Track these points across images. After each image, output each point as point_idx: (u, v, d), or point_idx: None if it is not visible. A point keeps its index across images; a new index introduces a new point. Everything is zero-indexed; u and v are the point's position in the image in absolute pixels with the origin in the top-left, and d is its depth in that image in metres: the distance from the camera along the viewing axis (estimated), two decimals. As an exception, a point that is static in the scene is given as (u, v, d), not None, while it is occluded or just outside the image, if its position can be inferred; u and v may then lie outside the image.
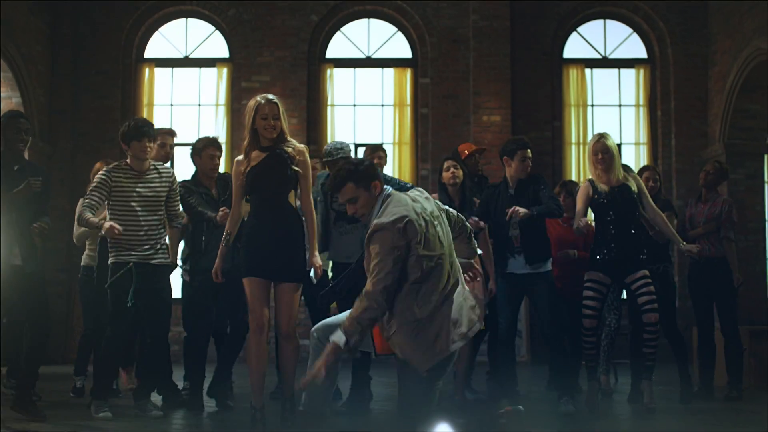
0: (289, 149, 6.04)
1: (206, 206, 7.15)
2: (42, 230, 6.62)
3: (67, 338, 12.37)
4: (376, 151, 8.40)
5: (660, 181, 8.33)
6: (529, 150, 7.29)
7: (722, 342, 8.46)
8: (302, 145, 6.21)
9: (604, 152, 7.11)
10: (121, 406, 7.12)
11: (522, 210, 6.91)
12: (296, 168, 6.03)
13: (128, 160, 6.77)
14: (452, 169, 7.48)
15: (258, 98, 6.10)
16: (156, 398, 7.19)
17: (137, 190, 6.66)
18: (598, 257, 7.06)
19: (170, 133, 8.01)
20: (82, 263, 8.28)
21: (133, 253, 6.60)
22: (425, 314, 4.59)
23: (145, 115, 13.34)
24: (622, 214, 7.06)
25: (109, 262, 6.73)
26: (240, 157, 6.16)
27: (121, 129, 6.80)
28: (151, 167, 6.82)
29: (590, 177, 7.25)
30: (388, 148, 13.02)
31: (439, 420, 4.85)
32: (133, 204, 6.62)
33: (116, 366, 7.19)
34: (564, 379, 7.06)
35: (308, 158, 6.18)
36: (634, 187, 7.10)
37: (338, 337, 4.54)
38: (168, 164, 7.45)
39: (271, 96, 6.14)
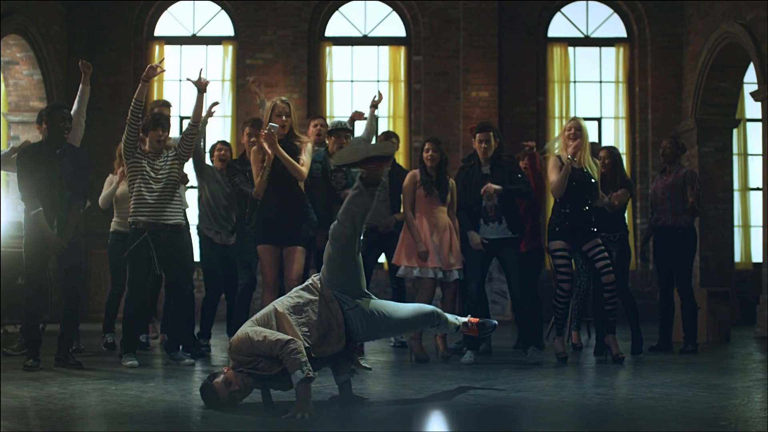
0: (297, 143, 7.11)
1: (248, 184, 8.25)
2: (74, 214, 7.49)
3: (85, 298, 13.28)
4: (389, 137, 9.34)
5: (620, 161, 9.00)
6: (489, 133, 7.98)
7: (680, 302, 9.31)
8: (306, 137, 7.31)
9: (576, 129, 7.98)
10: (152, 355, 8.17)
11: (494, 187, 7.79)
12: (302, 158, 7.21)
13: (146, 148, 7.66)
14: (431, 151, 8.17)
15: (275, 99, 7.32)
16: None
17: (152, 163, 7.55)
18: (557, 228, 8.00)
19: (166, 104, 8.88)
20: (111, 229, 9.07)
21: (148, 214, 7.50)
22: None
23: (154, 90, 14.21)
24: (579, 193, 7.97)
25: (128, 221, 7.68)
26: (257, 147, 7.34)
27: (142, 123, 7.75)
28: (163, 155, 7.65)
29: (557, 153, 8.15)
30: (383, 122, 13.97)
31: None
32: (147, 168, 7.51)
33: (139, 323, 8.10)
34: (532, 333, 8.02)
35: (311, 147, 7.30)
36: (596, 175, 8.04)
37: (296, 377, 5.00)
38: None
39: (284, 98, 7.36)
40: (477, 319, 6.10)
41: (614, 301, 8.00)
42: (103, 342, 9.00)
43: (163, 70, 7.65)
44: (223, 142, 9.20)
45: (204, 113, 8.14)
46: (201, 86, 7.63)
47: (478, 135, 8.03)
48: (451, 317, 5.98)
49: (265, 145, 7.10)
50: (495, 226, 7.96)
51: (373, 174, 5.40)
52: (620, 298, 8.71)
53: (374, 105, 9.16)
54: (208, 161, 8.91)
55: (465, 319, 6.11)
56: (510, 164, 8.05)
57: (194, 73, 7.78)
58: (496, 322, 6.15)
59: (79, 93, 8.22)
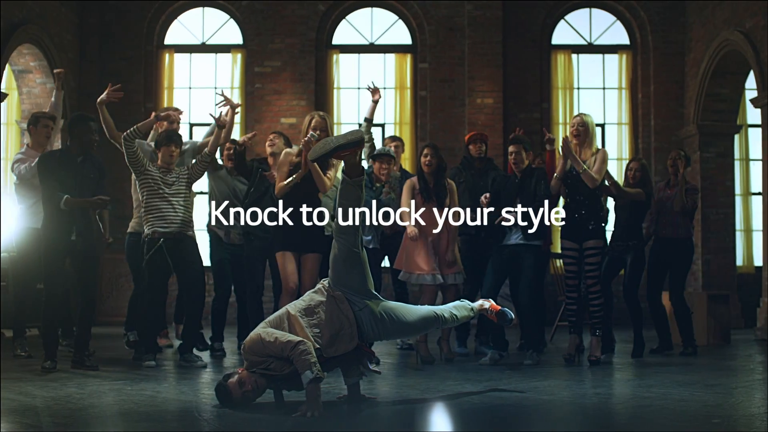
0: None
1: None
2: (103, 202, 7.65)
3: (97, 302, 13.47)
4: (394, 140, 9.61)
5: (649, 175, 9.21)
6: (519, 146, 8.15)
7: (671, 308, 9.49)
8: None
9: (580, 125, 8.15)
10: (165, 358, 8.43)
11: (506, 218, 7.98)
12: (330, 172, 7.54)
13: (158, 162, 7.95)
14: (429, 157, 8.40)
15: (312, 113, 7.65)
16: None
17: (164, 178, 7.84)
18: (562, 227, 8.21)
19: (176, 110, 9.07)
20: (129, 230, 9.06)
21: (165, 225, 7.78)
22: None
23: (165, 98, 14.43)
24: (575, 190, 8.16)
25: (143, 236, 7.93)
26: (292, 150, 7.72)
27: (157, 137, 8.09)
28: (175, 170, 8.00)
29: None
30: (390, 128, 14.16)
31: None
32: (159, 182, 7.80)
33: (157, 326, 8.36)
34: (531, 337, 8.23)
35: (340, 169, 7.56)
36: (590, 165, 8.08)
37: (306, 377, 5.26)
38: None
39: (321, 113, 7.67)
40: (498, 307, 6.33)
41: (597, 303, 8.18)
42: (125, 340, 9.13)
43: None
44: (233, 141, 9.42)
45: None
46: (221, 124, 8.15)
47: (509, 147, 8.24)
48: (462, 312, 6.18)
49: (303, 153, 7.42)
50: (519, 233, 8.12)
51: (350, 163, 5.64)
52: (627, 302, 8.94)
53: (375, 100, 9.10)
54: (218, 160, 9.11)
55: (487, 304, 6.35)
56: (538, 175, 8.20)
57: (218, 108, 8.31)
58: (513, 315, 6.38)
59: (54, 97, 9.05)
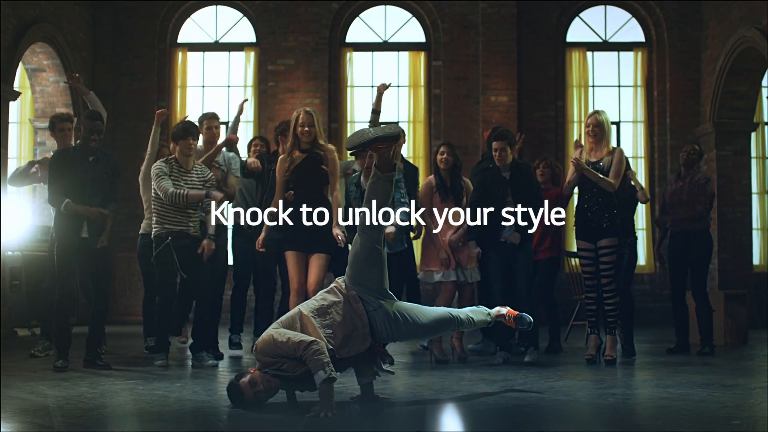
0: (321, 152, 7.28)
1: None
2: (102, 216, 7.60)
3: (110, 301, 13.45)
4: None
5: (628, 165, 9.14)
6: (503, 142, 8.06)
7: (694, 305, 9.37)
8: (331, 146, 7.47)
9: (595, 125, 8.06)
10: (178, 357, 8.41)
11: (516, 237, 7.95)
12: (325, 167, 7.44)
13: (176, 156, 7.90)
14: (445, 155, 8.35)
15: (299, 110, 7.51)
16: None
17: (182, 180, 7.80)
18: (575, 225, 8.15)
19: (214, 116, 9.02)
20: (140, 231, 8.93)
21: (175, 226, 7.76)
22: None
23: (178, 96, 14.43)
24: (587, 186, 8.09)
25: (152, 234, 7.90)
26: (284, 156, 7.54)
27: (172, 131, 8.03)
28: (196, 166, 7.95)
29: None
30: (404, 126, 14.09)
31: None
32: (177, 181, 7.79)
33: (170, 326, 8.31)
34: (531, 335, 8.04)
35: (336, 157, 7.44)
36: (606, 164, 8.04)
37: (319, 378, 5.21)
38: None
39: (308, 108, 7.54)
40: (515, 313, 6.28)
41: (613, 302, 8.10)
42: (145, 345, 9.04)
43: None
44: (261, 137, 9.43)
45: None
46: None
47: (493, 143, 8.14)
48: (479, 316, 6.13)
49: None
50: (511, 231, 8.07)
51: (383, 156, 5.58)
52: (620, 299, 8.80)
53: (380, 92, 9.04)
54: (243, 156, 9.06)
55: (504, 311, 6.30)
56: (527, 172, 8.17)
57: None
58: (531, 318, 6.32)
59: (89, 102, 8.70)
